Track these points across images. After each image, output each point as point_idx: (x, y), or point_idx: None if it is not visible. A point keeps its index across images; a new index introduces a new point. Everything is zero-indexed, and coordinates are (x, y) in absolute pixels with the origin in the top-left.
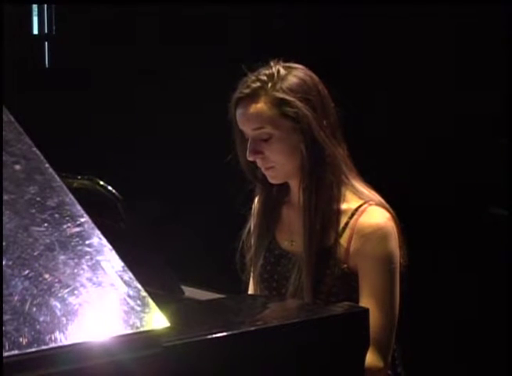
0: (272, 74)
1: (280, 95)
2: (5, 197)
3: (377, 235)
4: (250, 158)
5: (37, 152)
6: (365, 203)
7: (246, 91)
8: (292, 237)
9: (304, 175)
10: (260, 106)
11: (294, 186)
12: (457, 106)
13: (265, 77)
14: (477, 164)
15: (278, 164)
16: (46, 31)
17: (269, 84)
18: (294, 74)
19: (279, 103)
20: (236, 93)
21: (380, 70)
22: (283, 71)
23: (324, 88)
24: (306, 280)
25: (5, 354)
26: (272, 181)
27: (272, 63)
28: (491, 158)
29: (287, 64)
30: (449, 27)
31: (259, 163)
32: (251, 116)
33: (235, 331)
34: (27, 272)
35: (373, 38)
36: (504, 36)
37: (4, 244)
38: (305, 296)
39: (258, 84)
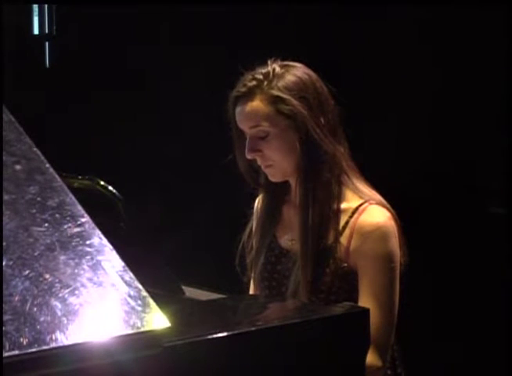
0: (268, 73)
1: (275, 92)
2: (6, 197)
3: (377, 234)
4: (249, 156)
5: (38, 152)
6: (365, 202)
7: (243, 89)
8: (292, 236)
9: (301, 173)
10: (256, 103)
11: (293, 184)
12: (458, 106)
13: (261, 76)
14: (477, 164)
15: (276, 162)
16: (46, 31)
17: (265, 83)
18: (291, 73)
19: (275, 101)
20: (233, 92)
21: (382, 71)
22: (279, 70)
23: (323, 86)
24: (302, 278)
25: (6, 354)
26: (271, 179)
27: (269, 62)
28: (491, 158)
29: (285, 63)
30: (450, 27)
31: (259, 161)
32: (248, 114)
33: (235, 331)
34: (27, 272)
35: (376, 38)
36: (506, 39)
37: (4, 244)
38: (301, 294)
39: (254, 82)
